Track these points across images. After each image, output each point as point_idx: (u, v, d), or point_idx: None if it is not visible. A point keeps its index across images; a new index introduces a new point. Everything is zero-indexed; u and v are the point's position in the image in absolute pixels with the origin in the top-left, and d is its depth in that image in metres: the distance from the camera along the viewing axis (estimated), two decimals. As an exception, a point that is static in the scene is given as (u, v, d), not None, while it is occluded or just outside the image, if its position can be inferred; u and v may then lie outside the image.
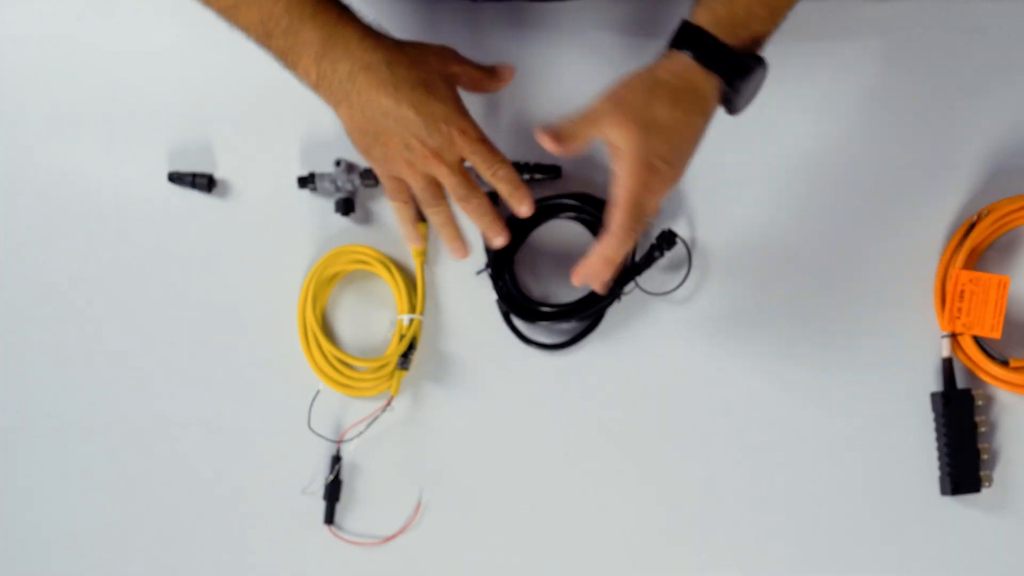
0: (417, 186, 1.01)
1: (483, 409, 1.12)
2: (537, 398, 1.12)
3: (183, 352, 1.14)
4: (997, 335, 1.08)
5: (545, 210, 1.12)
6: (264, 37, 0.98)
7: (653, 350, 1.12)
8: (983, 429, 1.09)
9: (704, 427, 1.11)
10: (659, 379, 1.11)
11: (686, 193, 1.13)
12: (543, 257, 1.13)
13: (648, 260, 1.10)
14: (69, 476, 1.13)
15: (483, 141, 0.99)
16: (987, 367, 1.08)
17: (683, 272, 1.11)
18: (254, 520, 1.12)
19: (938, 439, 1.09)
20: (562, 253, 1.13)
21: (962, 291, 1.08)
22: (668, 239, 1.09)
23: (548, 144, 0.95)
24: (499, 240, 1.03)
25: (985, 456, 1.08)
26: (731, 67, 0.96)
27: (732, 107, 0.98)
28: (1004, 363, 1.08)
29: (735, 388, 1.11)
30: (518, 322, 1.12)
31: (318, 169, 1.13)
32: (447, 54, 1.02)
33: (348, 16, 0.99)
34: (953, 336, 1.09)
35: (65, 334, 1.14)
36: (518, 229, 1.11)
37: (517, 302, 1.10)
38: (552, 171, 1.12)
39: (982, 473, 1.08)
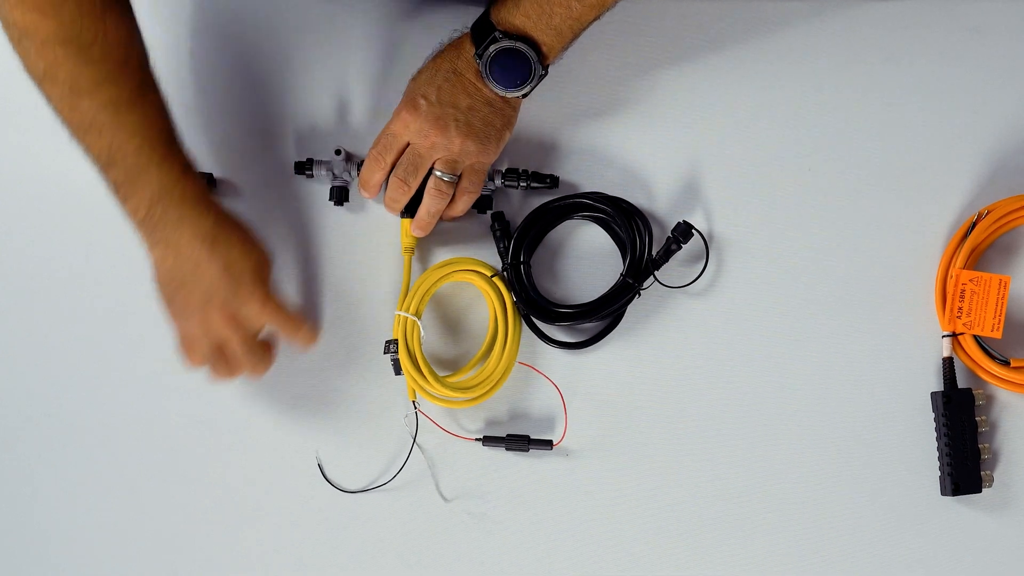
0: (206, 346, 1.04)
1: (505, 410, 1.12)
2: (561, 396, 1.12)
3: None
4: (998, 335, 1.08)
5: (559, 210, 1.12)
6: (106, 165, 1.00)
7: (670, 343, 1.12)
8: (984, 429, 1.09)
9: (704, 427, 1.11)
10: (673, 373, 1.12)
11: (702, 186, 1.13)
12: (560, 258, 1.13)
13: (666, 253, 1.10)
14: (69, 476, 1.13)
15: (282, 309, 1.05)
16: (988, 367, 1.08)
17: (700, 265, 1.12)
18: (254, 518, 1.12)
19: (938, 439, 1.09)
20: (578, 253, 1.13)
21: (963, 291, 1.08)
22: (685, 231, 1.10)
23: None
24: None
25: (986, 456, 1.08)
26: (482, 34, 1.04)
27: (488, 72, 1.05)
28: (1005, 363, 1.08)
29: (736, 387, 1.11)
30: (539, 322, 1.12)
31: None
32: (264, 261, 1.05)
33: (191, 172, 1.03)
34: (954, 336, 1.09)
35: (65, 334, 1.14)
36: (534, 231, 1.12)
37: (536, 303, 1.11)
38: (549, 180, 1.12)
39: (983, 473, 1.08)
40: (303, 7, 1.16)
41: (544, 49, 1.04)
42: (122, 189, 1.01)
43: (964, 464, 1.08)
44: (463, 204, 1.09)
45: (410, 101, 1.05)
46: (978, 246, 1.10)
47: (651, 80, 1.15)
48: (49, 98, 0.99)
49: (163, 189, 1.01)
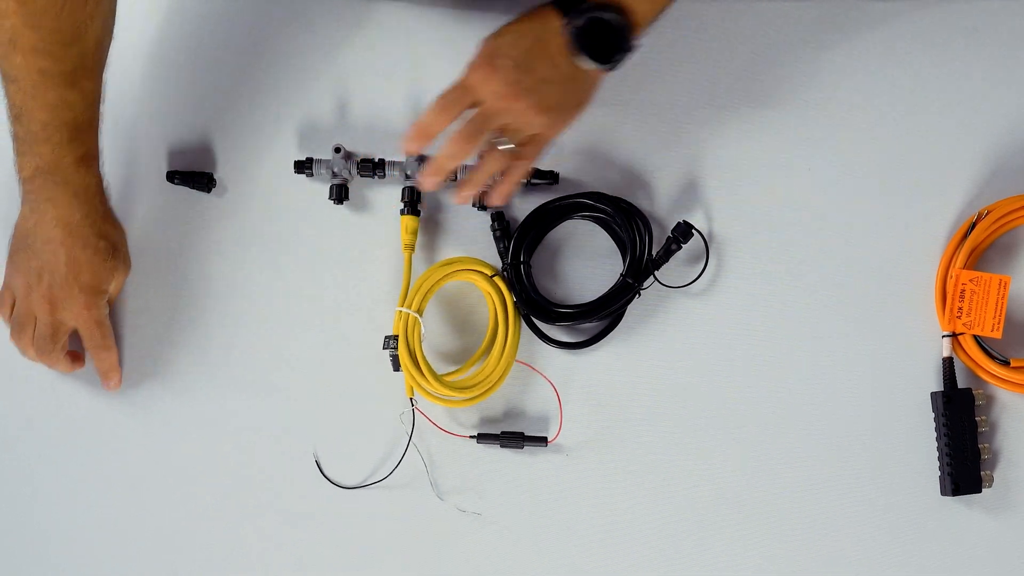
0: (13, 307, 1.09)
1: (501, 407, 1.12)
2: (562, 396, 1.12)
3: (183, 351, 1.13)
4: (998, 335, 1.08)
5: (559, 210, 1.12)
6: (14, 117, 1.03)
7: (670, 343, 1.12)
8: (984, 429, 1.09)
9: (704, 426, 1.11)
10: (672, 373, 1.12)
11: (702, 186, 1.13)
12: (560, 258, 1.13)
13: (666, 253, 1.10)
14: (69, 476, 1.13)
15: (101, 324, 1.09)
16: (988, 367, 1.08)
17: (700, 265, 1.12)
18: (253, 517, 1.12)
19: (938, 439, 1.09)
20: (578, 253, 1.13)
21: (963, 291, 1.08)
22: (685, 231, 1.10)
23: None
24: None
25: (986, 456, 1.08)
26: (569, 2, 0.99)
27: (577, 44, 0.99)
28: (1005, 363, 1.08)
29: (735, 387, 1.11)
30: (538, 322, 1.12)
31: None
32: (111, 279, 1.10)
33: (87, 165, 1.06)
34: (954, 336, 1.09)
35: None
36: (534, 231, 1.12)
37: (536, 303, 1.11)
38: (550, 176, 1.12)
39: (983, 473, 1.08)
40: (303, 6, 1.16)
41: (636, 18, 0.99)
42: (18, 144, 1.05)
43: (964, 464, 1.08)
44: (517, 174, 1.05)
45: (489, 59, 0.99)
46: (978, 246, 1.10)
47: (651, 80, 1.15)
48: None
49: (50, 167, 1.04)
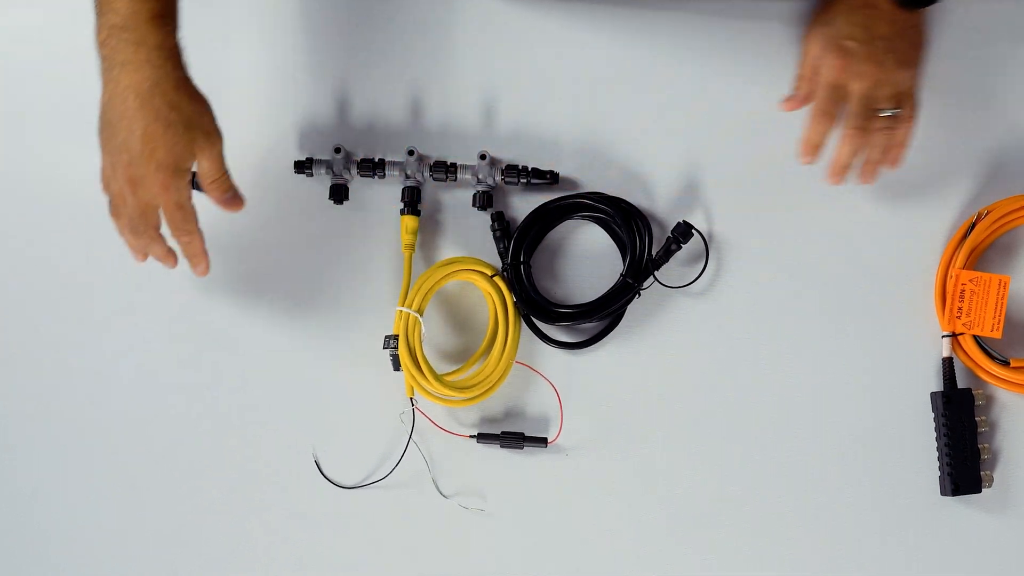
0: (114, 187, 1.03)
1: (502, 407, 1.12)
2: (562, 396, 1.12)
3: (183, 350, 1.13)
4: (998, 335, 1.08)
5: (559, 210, 1.12)
6: None
7: (670, 343, 1.12)
8: (984, 429, 1.09)
9: (703, 426, 1.11)
10: (672, 373, 1.12)
11: (702, 186, 1.13)
12: (560, 258, 1.13)
13: (666, 253, 1.10)
14: (69, 476, 1.13)
15: (181, 207, 1.02)
16: (988, 367, 1.08)
17: (700, 265, 1.12)
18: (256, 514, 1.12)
19: (938, 439, 1.09)
20: (578, 253, 1.13)
21: (963, 291, 1.08)
22: (685, 231, 1.10)
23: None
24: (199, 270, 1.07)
25: (986, 456, 1.08)
26: None
27: None
28: (1005, 363, 1.08)
29: (735, 387, 1.11)
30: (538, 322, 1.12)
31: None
32: (214, 140, 1.03)
33: (164, 25, 0.99)
34: (954, 336, 1.09)
35: (65, 333, 1.14)
36: (534, 231, 1.12)
37: (535, 303, 1.11)
38: (549, 176, 1.12)
39: (983, 473, 1.08)
40: (302, 6, 1.16)
41: None
42: (97, 4, 1.00)
43: (964, 464, 1.08)
44: (907, 131, 1.08)
45: (835, 48, 1.05)
46: (978, 246, 1.10)
47: (651, 80, 1.15)
48: None
49: (124, 23, 0.98)
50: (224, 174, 1.05)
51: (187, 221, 1.03)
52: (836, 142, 1.06)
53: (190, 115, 1.01)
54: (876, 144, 1.08)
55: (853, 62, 1.04)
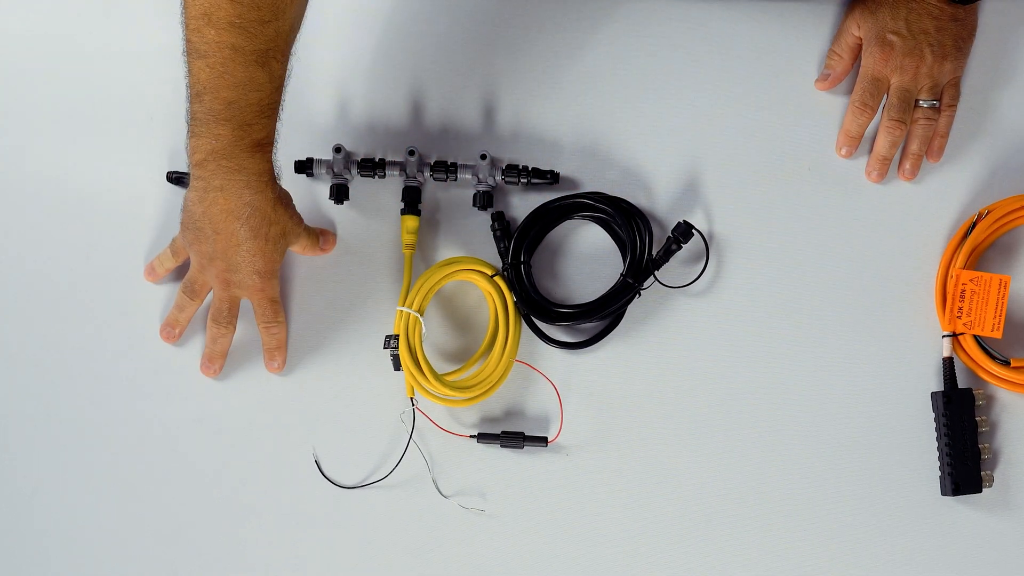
0: (209, 288, 1.10)
1: (502, 407, 1.12)
2: (562, 396, 1.12)
3: (183, 350, 1.13)
4: (998, 335, 1.08)
5: (559, 210, 1.12)
6: (196, 95, 0.99)
7: (670, 343, 1.12)
8: (984, 429, 1.09)
9: (703, 426, 1.11)
10: (672, 373, 1.12)
11: (702, 186, 1.13)
12: (560, 258, 1.13)
13: (666, 253, 1.10)
14: (69, 476, 1.13)
15: (274, 302, 1.09)
16: (988, 367, 1.08)
17: (700, 265, 1.12)
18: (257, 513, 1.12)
19: (938, 439, 1.09)
20: (578, 253, 1.13)
21: (963, 291, 1.08)
22: (685, 231, 1.10)
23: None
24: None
25: (986, 456, 1.08)
26: None
27: None
28: (1005, 363, 1.08)
29: (735, 387, 1.11)
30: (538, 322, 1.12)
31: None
32: (300, 231, 1.09)
33: (263, 151, 1.02)
34: (954, 336, 1.09)
35: (65, 334, 1.14)
36: (534, 231, 1.12)
37: (536, 303, 1.11)
38: (550, 176, 1.12)
39: (983, 473, 1.08)
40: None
41: None
42: (195, 125, 1.00)
43: (964, 464, 1.08)
44: (948, 121, 1.10)
45: (879, 41, 1.08)
46: (978, 246, 1.10)
47: (651, 80, 1.15)
48: (185, 8, 0.97)
49: (226, 151, 1.00)
50: (314, 242, 1.11)
51: (277, 313, 1.10)
52: (876, 134, 1.09)
53: (284, 225, 1.06)
54: (916, 136, 1.09)
55: (894, 55, 1.06)
